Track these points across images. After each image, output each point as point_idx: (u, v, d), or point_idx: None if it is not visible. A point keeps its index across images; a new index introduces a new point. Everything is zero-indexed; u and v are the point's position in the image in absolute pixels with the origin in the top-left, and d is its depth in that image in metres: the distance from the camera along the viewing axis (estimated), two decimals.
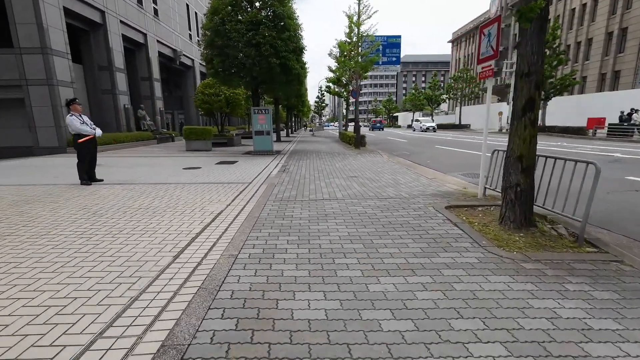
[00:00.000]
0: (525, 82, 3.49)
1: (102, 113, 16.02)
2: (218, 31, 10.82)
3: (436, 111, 51.01)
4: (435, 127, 34.83)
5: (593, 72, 33.10)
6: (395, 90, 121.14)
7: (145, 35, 19.08)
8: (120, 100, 16.38)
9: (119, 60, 16.33)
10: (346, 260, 2.86)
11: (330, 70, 15.29)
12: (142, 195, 5.39)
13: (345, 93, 20.14)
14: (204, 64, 11.86)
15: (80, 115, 6.34)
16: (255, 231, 3.62)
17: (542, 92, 24.42)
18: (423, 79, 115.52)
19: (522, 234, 3.52)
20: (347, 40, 14.78)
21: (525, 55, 3.48)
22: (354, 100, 15.72)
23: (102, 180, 6.68)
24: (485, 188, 5.12)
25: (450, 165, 9.72)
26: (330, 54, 14.94)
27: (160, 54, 21.37)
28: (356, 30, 14.04)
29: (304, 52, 12.14)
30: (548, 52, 23.65)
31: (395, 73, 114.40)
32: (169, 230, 3.63)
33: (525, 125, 3.52)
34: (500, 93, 48.80)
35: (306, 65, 12.47)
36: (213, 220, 4.03)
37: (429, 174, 7.78)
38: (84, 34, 15.35)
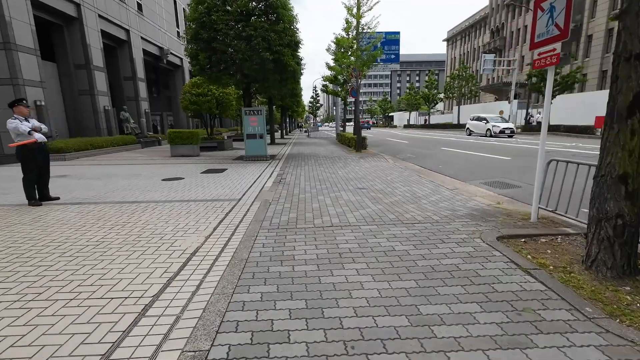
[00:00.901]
0: (634, 68, 2.39)
1: (79, 115, 14.68)
2: (203, 23, 9.62)
3: (432, 110, 50.20)
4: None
5: (593, 70, 32.49)
6: (389, 90, 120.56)
7: (127, 31, 17.75)
8: (100, 102, 15.05)
9: (97, 58, 15.00)
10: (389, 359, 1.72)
11: (329, 67, 14.14)
12: (99, 222, 4.19)
13: (342, 92, 19.04)
14: (188, 60, 10.65)
15: (26, 119, 5.11)
16: (242, 291, 2.46)
17: None
18: (417, 78, 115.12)
19: (628, 288, 2.43)
20: (346, 35, 13.70)
21: (634, 29, 2.38)
22: (353, 99, 14.61)
23: (57, 198, 5.46)
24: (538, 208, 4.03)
25: (464, 170, 8.66)
26: (328, 49, 13.82)
27: (146, 52, 20.04)
28: (355, 23, 12.95)
29: (300, 46, 10.99)
30: None
31: (390, 72, 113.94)
32: (111, 294, 2.46)
33: (634, 131, 2.43)
34: (498, 92, 48.26)
35: (302, 62, 11.33)
36: (182, 267, 2.86)
37: (447, 183, 6.71)
38: (57, 28, 14.00)
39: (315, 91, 53.03)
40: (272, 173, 8.31)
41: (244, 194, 5.82)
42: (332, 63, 14.78)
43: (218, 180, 7.32)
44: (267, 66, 9.96)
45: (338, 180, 7.22)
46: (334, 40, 13.90)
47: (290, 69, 10.51)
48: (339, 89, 19.26)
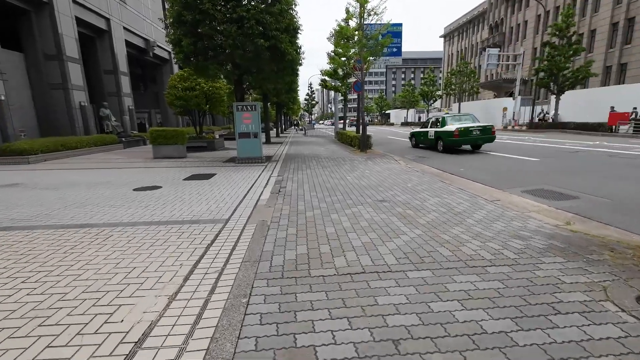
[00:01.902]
0: None
1: (52, 112, 13.15)
2: (187, 3, 8.21)
3: (429, 108, 49.21)
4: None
5: (597, 65, 31.55)
6: (385, 87, 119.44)
7: (108, 20, 16.19)
8: (75, 97, 13.53)
9: (71, 48, 13.46)
10: None
11: (330, 59, 12.79)
12: (19, 263, 2.83)
13: (343, 87, 17.72)
14: (171, 47, 9.23)
15: None
16: None
17: (555, 86, 22.64)
18: (412, 75, 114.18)
19: None
20: (348, 22, 12.36)
21: None
22: (357, 93, 13.31)
23: None
24: None
25: (491, 174, 7.46)
26: (329, 38, 12.46)
27: (129, 44, 18.49)
28: (359, 9, 11.62)
29: (300, 32, 9.63)
30: (561, 42, 21.79)
31: (385, 69, 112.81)
32: None
33: None
34: (497, 89, 47.35)
35: (301, 51, 9.97)
36: None
37: (482, 192, 5.50)
38: (24, 14, 12.43)
39: (311, 88, 51.63)
40: (268, 179, 6.98)
41: (234, 211, 4.49)
42: (332, 55, 13.42)
43: (203, 190, 5.96)
44: (262, 55, 8.60)
45: (350, 188, 5.92)
46: (336, 29, 12.57)
47: (289, 58, 9.17)
48: (339, 84, 17.95)
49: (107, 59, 16.71)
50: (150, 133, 10.71)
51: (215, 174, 7.67)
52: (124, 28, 17.51)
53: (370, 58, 11.50)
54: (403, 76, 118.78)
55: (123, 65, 17.37)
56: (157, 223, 4.00)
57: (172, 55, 9.39)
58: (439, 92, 42.16)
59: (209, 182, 6.65)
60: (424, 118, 58.89)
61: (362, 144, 12.39)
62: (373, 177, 7.10)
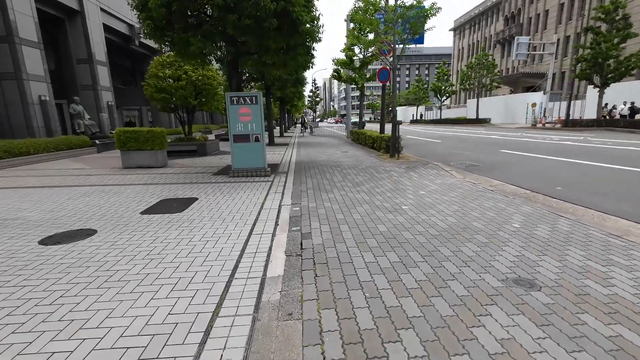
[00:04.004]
0: None
1: (0, 108, 10.50)
2: None
3: (437, 104, 46.38)
4: None
5: None
6: (390, 84, 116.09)
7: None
8: (32, 90, 10.88)
9: (27, 28, 10.79)
10: None
11: (352, 38, 9.98)
12: None
13: (360, 78, 14.99)
14: (137, 16, 6.51)
15: None
16: None
17: (599, 78, 19.83)
18: (417, 72, 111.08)
19: None
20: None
21: None
22: (382, 84, 10.60)
23: None
24: None
25: (599, 193, 4.79)
26: (353, 17, 9.67)
27: (109, 30, 15.81)
28: None
29: None
30: (607, 27, 18.97)
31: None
32: None
33: None
34: (514, 84, 44.36)
35: (319, 24, 7.23)
36: None
37: (624, 231, 2.79)
38: None
39: (315, 84, 48.88)
40: (278, 212, 4.30)
41: (220, 297, 1.80)
42: (356, 34, 10.64)
43: (162, 243, 3.28)
44: (267, 23, 5.91)
45: (423, 236, 3.26)
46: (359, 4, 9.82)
47: (304, 30, 6.48)
48: (355, 75, 15.21)
49: (80, 46, 14.04)
50: (117, 135, 8.04)
51: (196, 200, 4.99)
52: (102, 10, 14.83)
53: (407, 36, 8.77)
54: (407, 72, 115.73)
55: (100, 53, 14.70)
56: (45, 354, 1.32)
57: (140, 29, 6.70)
58: (453, 87, 39.27)
59: (179, 220, 3.97)
60: (432, 115, 56.09)
61: (393, 147, 9.69)
62: (442, 207, 4.45)
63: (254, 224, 3.80)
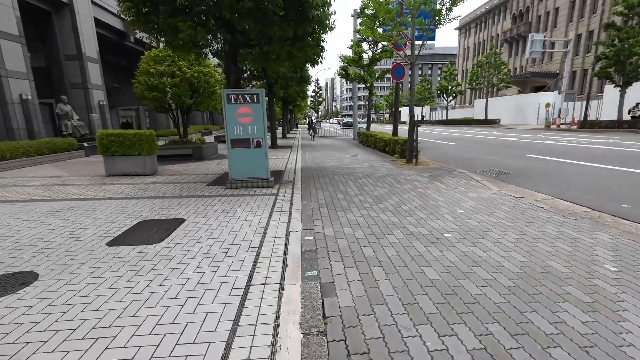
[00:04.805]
0: None
1: None
2: None
3: (442, 105, 45.37)
4: None
5: None
6: (391, 84, 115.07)
7: None
8: (12, 88, 9.93)
9: (7, 20, 9.85)
10: None
11: (369, 27, 8.93)
12: None
13: (369, 76, 13.96)
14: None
15: None
16: None
17: (621, 76, 18.75)
18: (420, 72, 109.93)
19: None
20: None
21: None
22: (397, 81, 9.58)
23: None
24: None
25: None
26: (366, 5, 8.65)
27: (102, 25, 14.86)
28: None
29: None
30: (631, 22, 17.89)
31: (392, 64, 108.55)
32: None
33: None
34: (522, 84, 43.16)
35: (330, 11, 6.20)
36: None
37: None
38: None
39: (318, 83, 47.89)
40: (285, 240, 3.28)
41: None
42: (364, 28, 9.58)
43: (127, 299, 2.26)
44: (271, 5, 4.91)
45: (499, 290, 2.19)
46: None
47: (315, 15, 5.47)
48: (364, 73, 14.19)
49: (69, 41, 13.08)
50: (99, 138, 7.05)
51: (183, 222, 3.99)
52: (93, 2, 13.87)
53: (429, 25, 7.74)
54: (409, 73, 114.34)
55: (91, 49, 13.73)
56: None
57: (120, 11, 5.72)
58: (460, 87, 38.19)
59: (154, 258, 2.96)
60: (437, 116, 55.05)
61: (410, 152, 8.66)
62: (494, 234, 3.47)
63: (254, 265, 2.79)
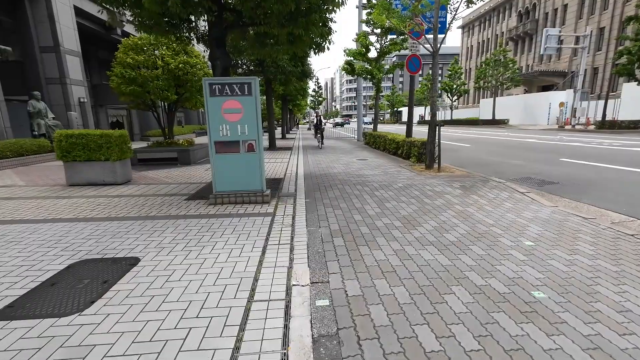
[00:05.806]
0: None
1: None
2: None
3: (447, 104, 44.16)
4: None
5: None
6: (391, 84, 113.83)
7: None
8: None
9: None
10: None
11: (384, 9, 7.65)
12: None
13: (378, 71, 12.68)
14: None
15: None
16: None
17: None
18: (421, 72, 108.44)
19: None
20: None
21: None
22: (413, 74, 8.34)
23: None
24: None
25: None
26: None
27: (82, 14, 13.57)
28: None
29: None
30: None
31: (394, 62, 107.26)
32: None
33: None
34: (528, 83, 41.94)
35: None
36: None
37: None
38: None
39: (318, 83, 46.60)
40: (285, 309, 1.96)
41: None
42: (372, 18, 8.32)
43: None
44: None
45: None
46: None
47: None
48: (372, 67, 12.91)
49: (44, 32, 11.78)
50: (57, 140, 5.74)
51: (135, 264, 2.69)
52: None
53: (459, 4, 6.51)
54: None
55: (70, 40, 12.43)
56: None
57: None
58: (466, 86, 36.95)
59: (59, 349, 1.68)
60: (441, 116, 53.78)
61: (431, 156, 7.38)
62: (606, 289, 2.12)
63: None
